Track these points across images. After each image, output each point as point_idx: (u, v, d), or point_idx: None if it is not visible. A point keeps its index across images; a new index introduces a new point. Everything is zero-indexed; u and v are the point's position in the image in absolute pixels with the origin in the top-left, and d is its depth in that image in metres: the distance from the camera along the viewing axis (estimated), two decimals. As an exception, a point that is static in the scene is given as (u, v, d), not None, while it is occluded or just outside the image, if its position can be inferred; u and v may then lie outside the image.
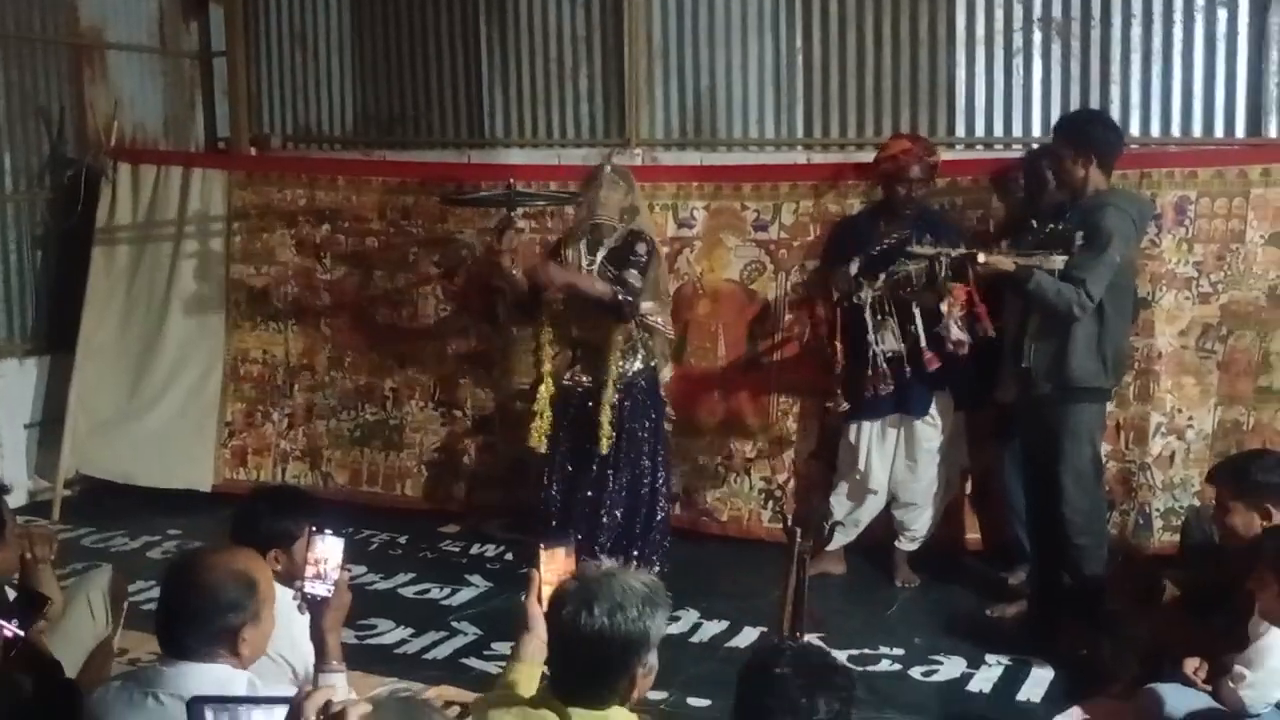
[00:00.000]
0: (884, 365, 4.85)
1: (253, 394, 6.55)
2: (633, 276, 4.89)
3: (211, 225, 6.53)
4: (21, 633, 2.74)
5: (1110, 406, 4.98)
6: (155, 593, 2.55)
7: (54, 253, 6.80)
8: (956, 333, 4.58)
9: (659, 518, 5.15)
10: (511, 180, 5.33)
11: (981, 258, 4.40)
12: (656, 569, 4.83)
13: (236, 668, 2.51)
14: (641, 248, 4.95)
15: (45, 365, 6.70)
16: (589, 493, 5.06)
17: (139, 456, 6.39)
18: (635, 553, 4.98)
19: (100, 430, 6.48)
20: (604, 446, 4.97)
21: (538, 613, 2.54)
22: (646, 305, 5.01)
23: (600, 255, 4.98)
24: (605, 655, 2.26)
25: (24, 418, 6.60)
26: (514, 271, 5.11)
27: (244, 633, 2.50)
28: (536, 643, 2.55)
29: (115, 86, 7.10)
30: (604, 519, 5.03)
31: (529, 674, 2.56)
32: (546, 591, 2.54)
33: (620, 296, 4.85)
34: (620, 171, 5.17)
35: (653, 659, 2.35)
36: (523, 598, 2.70)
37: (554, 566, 2.56)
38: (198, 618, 2.46)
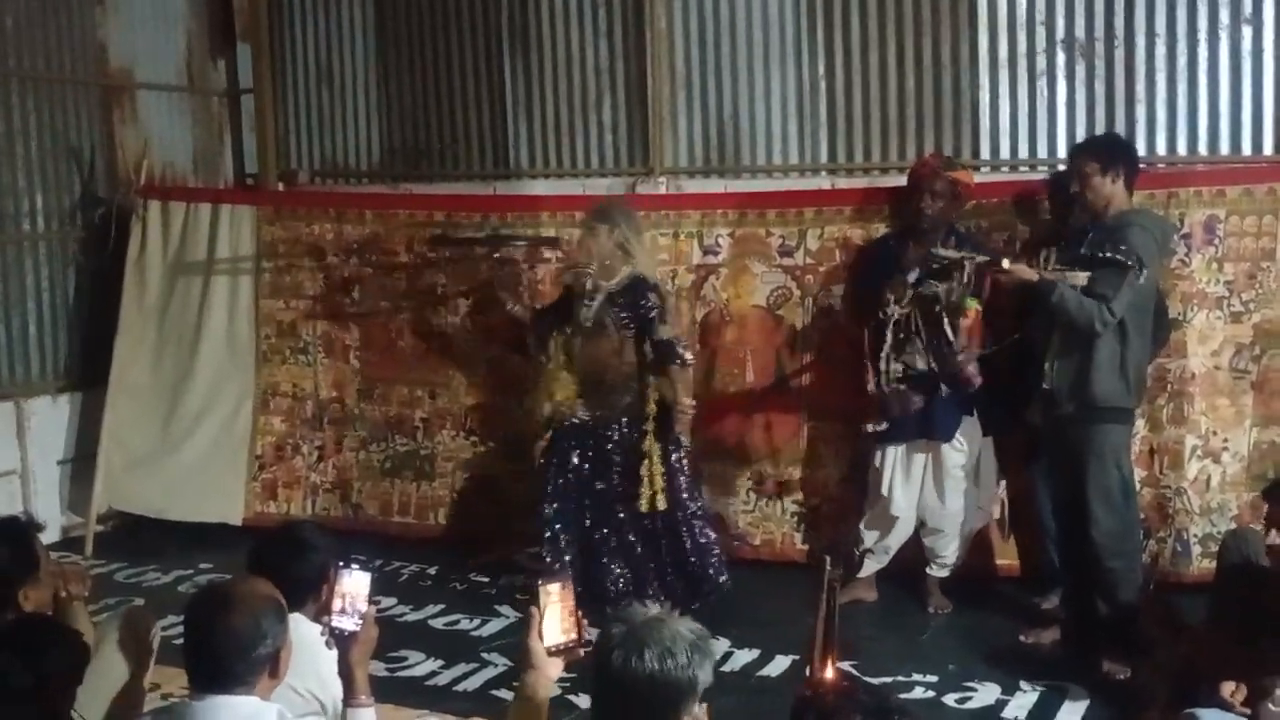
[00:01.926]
0: (895, 385, 4.84)
1: (283, 427, 6.58)
2: (664, 332, 5.06)
3: (241, 260, 6.58)
4: None
5: (1143, 430, 4.96)
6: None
7: (85, 290, 6.88)
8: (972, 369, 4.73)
9: (693, 556, 5.12)
10: (496, 225, 5.74)
11: (1006, 264, 4.42)
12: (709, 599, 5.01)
13: (265, 699, 2.52)
14: (651, 298, 5.07)
15: (78, 401, 6.75)
16: (602, 531, 5.15)
17: (170, 491, 6.43)
18: (681, 590, 5.06)
19: (132, 465, 6.52)
20: (658, 503, 5.05)
21: (540, 650, 2.52)
22: (666, 333, 5.10)
23: (599, 299, 5.09)
24: (653, 701, 2.22)
25: (57, 454, 6.65)
26: (513, 308, 5.59)
27: (282, 654, 2.54)
28: (542, 680, 2.53)
29: (145, 125, 7.19)
30: (618, 556, 5.12)
31: (534, 712, 2.54)
32: (548, 628, 2.52)
33: (682, 359, 5.08)
34: (601, 213, 5.23)
35: (699, 711, 2.31)
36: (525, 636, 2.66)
37: (553, 602, 2.54)
38: (243, 647, 2.47)
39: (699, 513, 5.20)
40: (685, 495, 5.15)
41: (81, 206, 6.88)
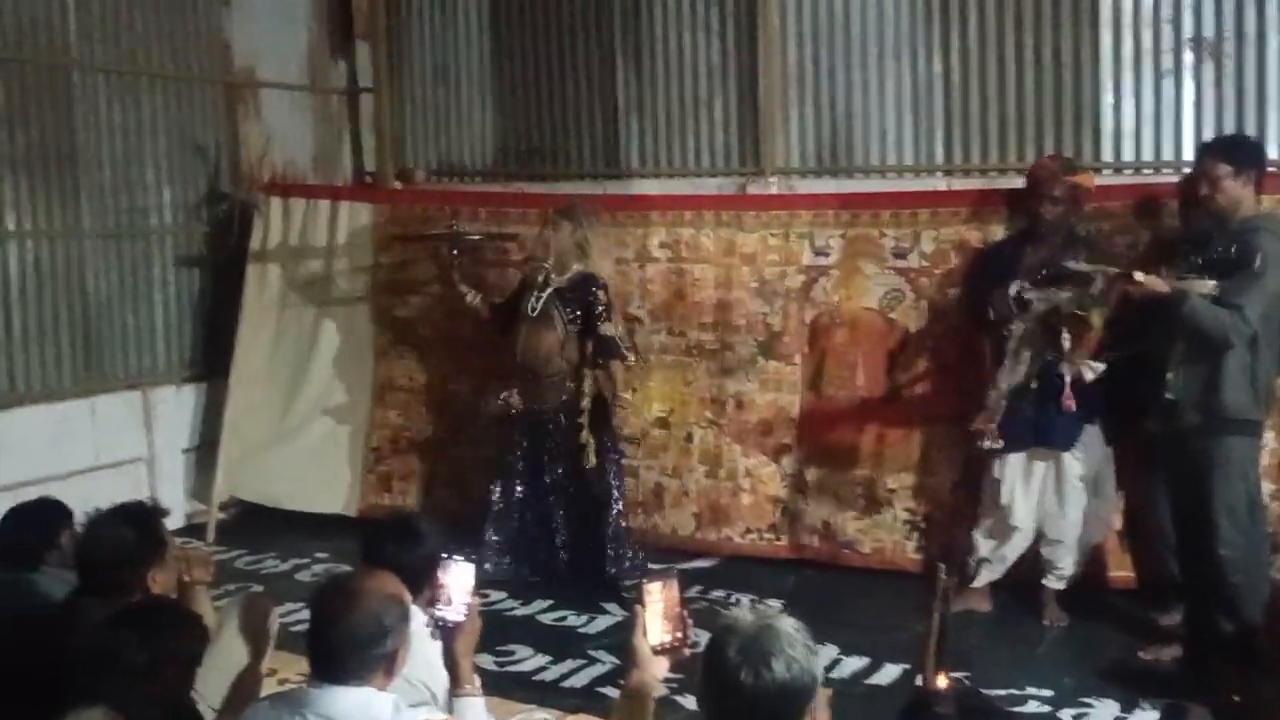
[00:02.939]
0: (1007, 400, 4.77)
1: (399, 421, 6.67)
2: (607, 329, 5.37)
3: (358, 256, 6.71)
4: None
5: (1273, 442, 4.77)
6: (304, 614, 2.60)
7: (209, 283, 7.08)
8: (1089, 373, 4.64)
9: (613, 535, 5.47)
10: (453, 223, 6.04)
11: (1138, 276, 4.30)
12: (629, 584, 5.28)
13: (381, 689, 2.56)
14: (600, 295, 5.38)
15: (201, 392, 6.96)
16: (541, 516, 5.53)
17: (287, 481, 6.59)
18: (604, 573, 5.43)
19: (251, 455, 6.69)
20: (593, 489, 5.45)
21: (645, 649, 2.52)
22: (609, 329, 5.40)
23: (549, 292, 5.39)
24: (781, 708, 2.20)
25: (181, 443, 6.86)
26: (473, 300, 5.76)
27: (399, 654, 2.56)
28: (648, 679, 2.53)
29: (267, 123, 7.38)
30: (556, 542, 5.51)
31: (640, 711, 2.54)
32: (653, 627, 2.52)
33: (624, 355, 5.46)
34: (565, 212, 5.49)
35: (820, 701, 2.28)
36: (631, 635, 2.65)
37: (658, 601, 2.54)
38: (363, 643, 2.49)
39: (619, 507, 5.50)
40: (614, 491, 5.47)
41: (206, 202, 7.09)
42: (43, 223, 6.27)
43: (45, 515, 3.70)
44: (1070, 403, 4.71)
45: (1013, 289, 4.87)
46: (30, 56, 6.15)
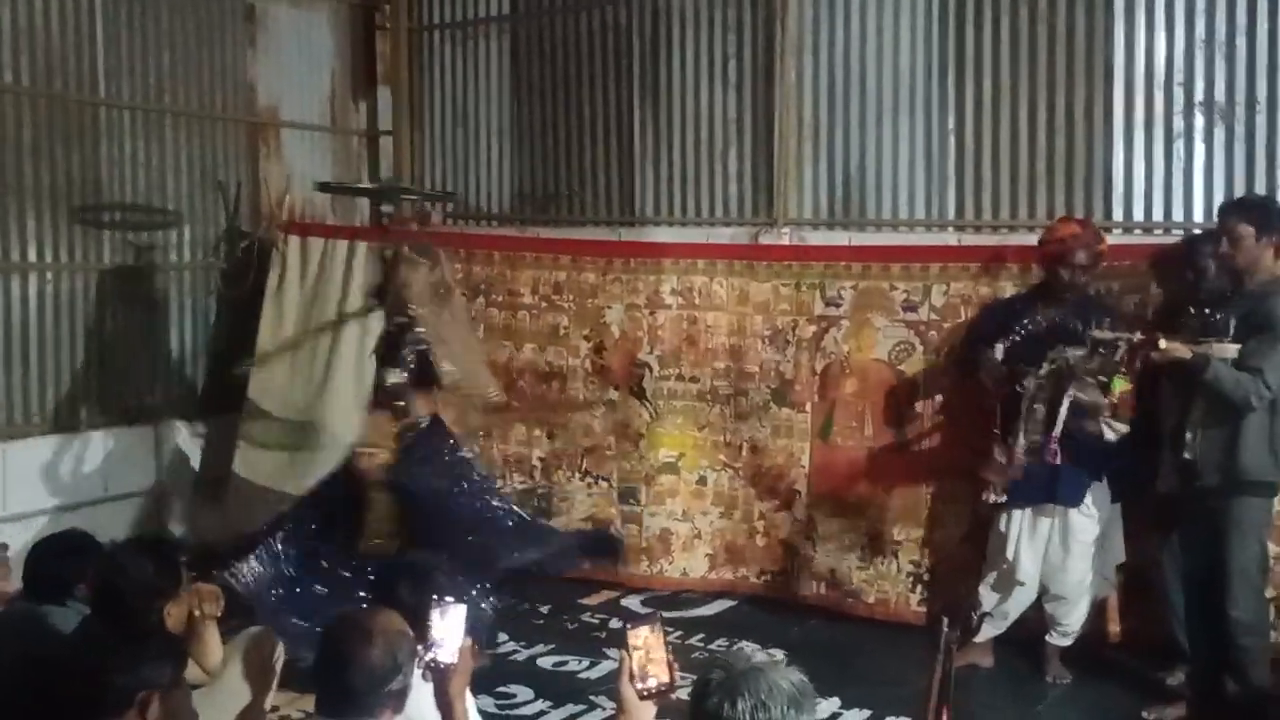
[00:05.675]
0: (1023, 456, 4.78)
1: (406, 461, 6.69)
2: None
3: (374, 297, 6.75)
4: None
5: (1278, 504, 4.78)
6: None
7: (225, 320, 7.14)
8: (1110, 432, 4.59)
9: None
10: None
11: (1162, 344, 4.32)
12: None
13: (384, 728, 2.57)
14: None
15: (212, 427, 6.98)
16: None
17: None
18: None
19: (261, 491, 6.70)
20: None
21: (632, 695, 2.53)
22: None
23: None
24: None
25: (191, 477, 6.89)
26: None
27: (406, 692, 2.60)
28: None
29: (288, 163, 7.47)
30: None
31: None
32: (639, 672, 2.53)
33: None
34: (422, 249, 5.34)
35: None
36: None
37: (642, 646, 2.55)
38: (378, 680, 2.53)
39: None
40: None
41: (225, 239, 7.17)
42: (64, 256, 6.36)
43: (74, 548, 3.65)
44: (1054, 458, 4.71)
45: (998, 353, 4.91)
46: (58, 91, 6.26)
